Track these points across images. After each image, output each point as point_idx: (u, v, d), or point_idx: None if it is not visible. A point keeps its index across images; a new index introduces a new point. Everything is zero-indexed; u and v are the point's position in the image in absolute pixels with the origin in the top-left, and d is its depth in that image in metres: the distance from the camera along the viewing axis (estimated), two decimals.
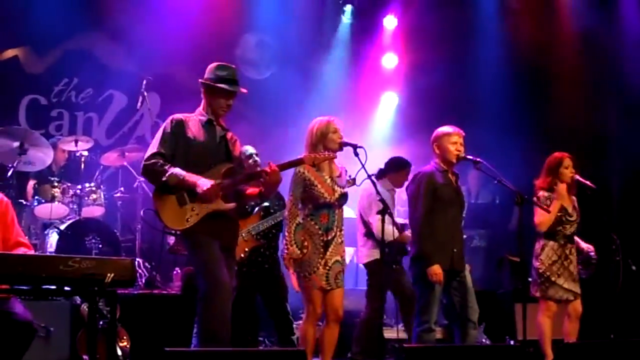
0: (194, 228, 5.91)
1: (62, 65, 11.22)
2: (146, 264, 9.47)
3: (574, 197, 7.78)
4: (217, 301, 5.80)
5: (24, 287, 4.78)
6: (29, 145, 8.94)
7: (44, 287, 4.69)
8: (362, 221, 8.09)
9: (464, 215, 7.25)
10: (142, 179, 9.46)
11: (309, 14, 11.66)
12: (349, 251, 8.27)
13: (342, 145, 6.54)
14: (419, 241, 6.88)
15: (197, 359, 5.20)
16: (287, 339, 7.41)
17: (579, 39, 11.46)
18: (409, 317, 7.69)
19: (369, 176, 6.45)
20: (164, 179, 5.88)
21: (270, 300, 7.58)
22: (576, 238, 7.76)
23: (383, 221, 6.52)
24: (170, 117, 6.15)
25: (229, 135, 6.26)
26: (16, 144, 8.88)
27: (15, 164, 8.87)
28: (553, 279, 7.51)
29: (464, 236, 7.51)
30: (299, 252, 6.49)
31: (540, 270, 7.55)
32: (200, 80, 6.22)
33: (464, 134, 7.02)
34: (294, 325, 7.63)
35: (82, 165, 9.73)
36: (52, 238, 8.95)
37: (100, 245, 8.89)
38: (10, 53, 11.04)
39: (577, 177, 7.66)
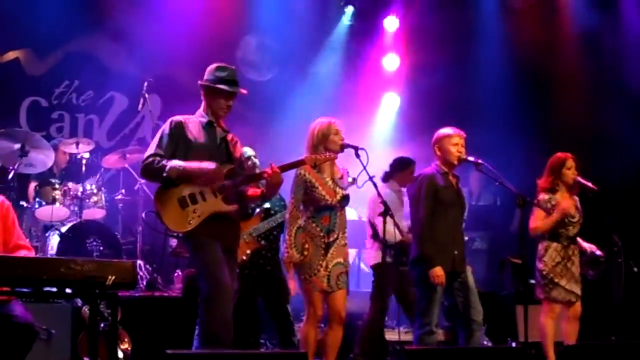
0: (195, 230, 5.91)
1: (63, 67, 11.22)
2: (147, 266, 9.47)
3: (576, 197, 7.77)
4: (219, 303, 5.80)
5: (25, 290, 4.78)
6: (30, 147, 8.93)
7: (45, 289, 4.69)
8: (370, 223, 8.09)
9: (465, 217, 7.24)
10: (143, 181, 9.46)
11: (310, 15, 11.65)
12: (351, 253, 8.26)
13: (343, 146, 6.54)
14: (420, 243, 6.87)
15: None
16: (289, 341, 7.40)
17: (581, 40, 11.45)
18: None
19: (370, 178, 6.44)
20: (165, 174, 5.88)
21: (271, 303, 7.56)
22: (577, 239, 7.75)
23: (384, 223, 6.51)
24: (170, 119, 6.15)
25: (230, 136, 6.26)
26: (17, 146, 8.87)
27: (16, 166, 8.86)
28: (556, 280, 7.50)
29: (465, 238, 7.50)
30: (298, 255, 6.49)
31: (544, 272, 7.54)
32: (199, 82, 6.22)
33: (465, 135, 7.01)
34: (295, 327, 7.63)
35: (83, 167, 9.72)
36: (53, 240, 8.95)
37: (101, 248, 8.88)
38: (11, 55, 11.05)
39: (579, 178, 7.66)
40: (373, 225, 8.02)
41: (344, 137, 6.60)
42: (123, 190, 10.03)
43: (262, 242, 7.47)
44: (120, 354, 7.10)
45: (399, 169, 8.31)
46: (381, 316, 7.70)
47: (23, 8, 10.56)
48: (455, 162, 6.95)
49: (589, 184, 7.67)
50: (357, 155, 6.43)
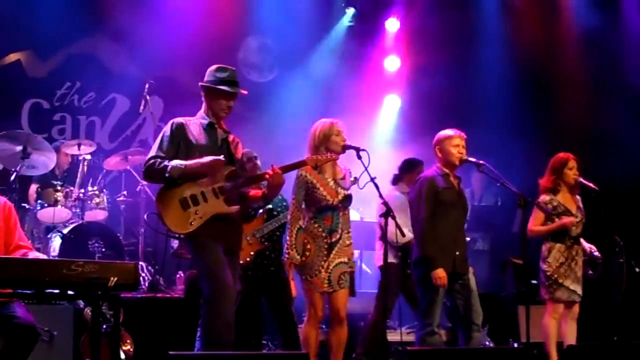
0: (197, 231, 5.91)
1: (65, 69, 11.22)
2: (149, 268, 9.48)
3: (578, 197, 7.78)
4: (221, 304, 5.80)
5: (27, 291, 4.78)
6: (32, 149, 8.93)
7: (47, 291, 4.69)
8: (379, 225, 8.09)
9: (467, 218, 7.24)
10: (145, 182, 9.47)
11: (312, 16, 11.66)
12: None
13: (344, 147, 6.55)
14: (421, 245, 6.88)
15: None
16: (292, 342, 7.40)
17: (581, 40, 11.45)
18: None
19: (372, 179, 6.43)
20: (167, 174, 5.88)
21: (275, 303, 7.55)
22: (581, 240, 7.76)
23: (386, 224, 6.51)
24: (171, 121, 6.15)
25: (231, 137, 6.26)
26: (19, 148, 8.87)
27: (18, 168, 8.86)
28: (560, 280, 7.51)
29: (467, 239, 7.50)
30: (298, 257, 6.50)
31: (548, 273, 7.55)
32: (200, 83, 6.23)
33: (465, 136, 7.02)
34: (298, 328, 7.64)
35: (85, 169, 9.72)
36: (55, 242, 8.96)
37: (103, 249, 8.88)
38: (12, 57, 11.05)
39: (581, 179, 7.67)
40: (381, 227, 8.03)
41: (346, 138, 6.60)
42: (125, 192, 10.04)
43: (266, 243, 7.47)
44: (123, 356, 7.11)
45: (407, 170, 8.32)
46: (383, 317, 7.70)
47: (24, 10, 10.57)
48: (457, 163, 6.95)
49: (591, 185, 7.68)
50: (359, 157, 6.43)
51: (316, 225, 6.54)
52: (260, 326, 7.93)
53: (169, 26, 10.76)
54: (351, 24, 12.12)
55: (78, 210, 9.32)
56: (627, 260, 8.16)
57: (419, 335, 6.87)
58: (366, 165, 6.41)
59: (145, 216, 9.73)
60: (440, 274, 6.72)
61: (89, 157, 9.75)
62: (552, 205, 7.62)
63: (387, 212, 6.44)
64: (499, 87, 11.30)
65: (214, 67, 6.24)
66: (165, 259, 9.25)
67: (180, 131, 6.07)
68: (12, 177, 8.91)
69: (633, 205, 10.58)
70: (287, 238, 6.57)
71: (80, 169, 9.71)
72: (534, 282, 8.21)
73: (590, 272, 7.78)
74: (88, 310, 7.14)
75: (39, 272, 4.54)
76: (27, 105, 11.13)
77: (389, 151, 10.71)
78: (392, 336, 8.59)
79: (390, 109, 12.24)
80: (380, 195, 6.53)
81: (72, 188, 9.41)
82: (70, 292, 4.76)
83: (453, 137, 6.96)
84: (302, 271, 6.54)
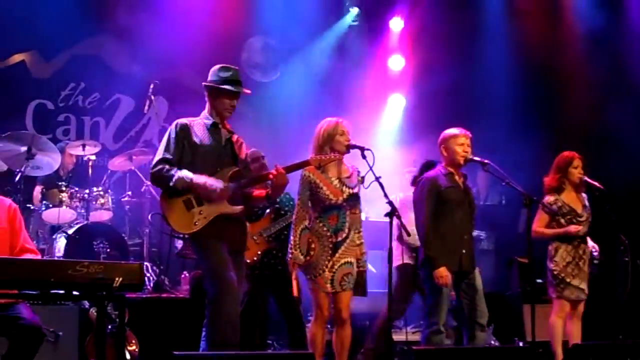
0: (202, 231, 5.92)
1: (69, 69, 11.24)
2: (154, 268, 9.48)
3: (583, 195, 7.78)
4: (226, 304, 5.80)
5: (33, 292, 4.78)
6: (37, 150, 8.93)
7: (53, 291, 4.69)
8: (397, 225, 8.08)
9: (474, 215, 7.18)
10: (149, 182, 9.47)
11: (315, 16, 11.65)
12: None
13: (349, 147, 6.54)
14: (424, 245, 6.88)
15: None
16: (298, 342, 7.39)
17: (587, 39, 11.43)
18: None
19: (377, 178, 6.42)
20: (171, 184, 5.90)
21: (283, 302, 7.53)
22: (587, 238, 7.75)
23: (391, 224, 6.49)
24: (175, 122, 6.16)
25: (235, 137, 6.26)
26: (24, 148, 8.87)
27: (22, 169, 8.86)
28: (568, 280, 7.51)
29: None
30: (302, 257, 6.50)
31: (555, 272, 7.55)
32: (203, 83, 6.23)
33: (471, 135, 7.01)
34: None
35: (90, 170, 9.73)
36: (60, 242, 8.96)
37: (108, 250, 8.89)
38: (17, 58, 11.07)
39: (586, 178, 7.67)
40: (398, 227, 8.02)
41: (351, 137, 6.59)
42: (129, 192, 10.05)
43: (273, 243, 7.46)
44: (128, 356, 7.10)
45: (426, 171, 8.31)
46: (396, 315, 7.73)
47: (29, 11, 10.57)
48: (462, 162, 6.95)
49: (596, 183, 7.67)
50: (363, 156, 6.42)
51: (321, 225, 6.53)
52: (266, 326, 7.92)
53: (173, 26, 10.77)
54: (355, 23, 12.11)
55: (83, 211, 9.33)
56: (632, 259, 8.15)
57: (425, 334, 6.86)
58: (371, 164, 6.39)
59: (149, 217, 9.73)
60: (442, 273, 6.72)
61: (93, 157, 9.75)
62: (557, 205, 7.62)
63: (392, 212, 6.43)
64: (504, 86, 11.29)
65: (217, 66, 6.25)
66: (170, 259, 9.25)
67: (184, 132, 6.08)
68: (17, 178, 8.90)
69: (638, 204, 10.56)
70: (291, 238, 6.56)
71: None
72: (539, 281, 8.21)
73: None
74: (93, 311, 7.15)
75: (44, 273, 4.54)
76: (31, 106, 11.14)
77: (394, 150, 10.71)
78: (398, 335, 8.59)
79: (395, 108, 12.22)
80: (385, 195, 6.49)
81: (76, 188, 9.42)
82: (75, 293, 4.76)
83: (458, 136, 6.96)
84: (307, 271, 6.54)
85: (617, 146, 10.81)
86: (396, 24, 12.09)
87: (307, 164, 6.33)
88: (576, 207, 7.66)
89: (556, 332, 7.54)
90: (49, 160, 9.14)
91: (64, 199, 9.20)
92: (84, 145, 9.60)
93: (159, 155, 6.04)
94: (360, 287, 6.66)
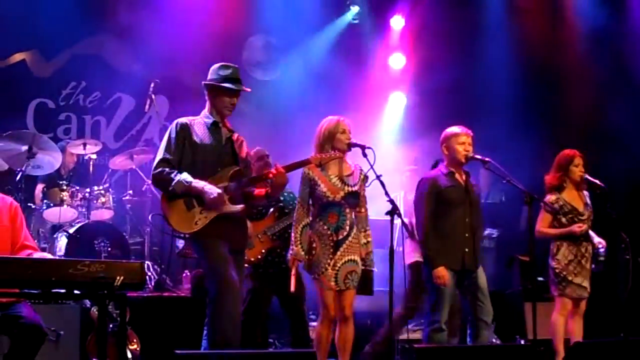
0: (202, 231, 5.92)
1: (70, 68, 11.25)
2: (155, 267, 9.49)
3: (585, 192, 7.77)
4: (227, 303, 5.81)
5: (34, 291, 4.78)
6: (37, 149, 8.93)
7: (54, 290, 4.69)
8: (410, 224, 8.08)
9: (479, 213, 7.12)
10: (150, 181, 9.47)
11: (316, 15, 11.66)
12: None
13: (350, 145, 6.54)
14: (423, 245, 6.89)
15: None
16: (300, 341, 7.39)
17: (588, 37, 11.41)
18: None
19: (378, 177, 6.42)
20: (170, 187, 5.91)
21: (287, 301, 7.52)
22: (590, 233, 7.74)
23: (392, 222, 6.49)
24: (175, 122, 6.17)
25: (235, 136, 6.26)
26: (24, 147, 8.87)
27: (23, 168, 8.86)
28: (570, 278, 7.52)
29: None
30: (302, 253, 6.50)
31: (557, 270, 7.56)
32: (203, 81, 6.23)
33: (472, 133, 7.00)
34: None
35: (91, 169, 9.74)
36: (61, 241, 8.96)
37: (109, 249, 8.89)
38: (17, 57, 11.07)
39: (587, 176, 7.67)
40: (408, 225, 8.01)
41: (352, 135, 6.59)
42: (130, 191, 10.05)
43: (277, 241, 7.45)
44: (129, 355, 7.11)
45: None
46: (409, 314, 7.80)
47: (29, 10, 10.57)
48: (463, 161, 6.94)
49: (596, 181, 7.67)
50: (364, 154, 6.42)
51: (321, 223, 6.53)
52: (267, 324, 7.92)
53: (173, 25, 10.78)
54: (356, 21, 12.10)
55: (84, 210, 9.34)
56: (633, 257, 8.14)
57: (427, 332, 6.87)
58: (372, 163, 6.39)
59: (149, 217, 9.74)
60: (440, 273, 6.73)
61: (94, 156, 9.76)
62: (558, 204, 7.62)
63: (393, 210, 6.42)
64: (505, 84, 11.28)
65: (216, 65, 6.25)
66: (171, 258, 9.26)
67: (184, 131, 6.09)
68: (18, 177, 8.91)
69: (639, 202, 10.55)
70: (292, 235, 6.57)
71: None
72: (540, 279, 8.20)
73: (593, 266, 7.77)
74: (94, 310, 7.15)
75: (45, 272, 4.53)
76: (32, 105, 11.15)
77: (395, 149, 10.71)
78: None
79: (396, 106, 12.22)
80: (386, 193, 6.49)
81: (77, 187, 9.42)
82: (76, 292, 4.75)
83: (459, 135, 6.95)
84: (310, 270, 6.55)
85: (618, 144, 10.80)
86: (397, 22, 12.09)
87: (308, 163, 6.34)
88: (577, 205, 7.66)
89: (558, 330, 7.55)
90: (50, 159, 9.15)
91: (65, 198, 9.21)
92: (84, 144, 9.61)
93: (160, 155, 6.05)
94: (366, 287, 6.65)
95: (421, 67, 11.90)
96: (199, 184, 5.92)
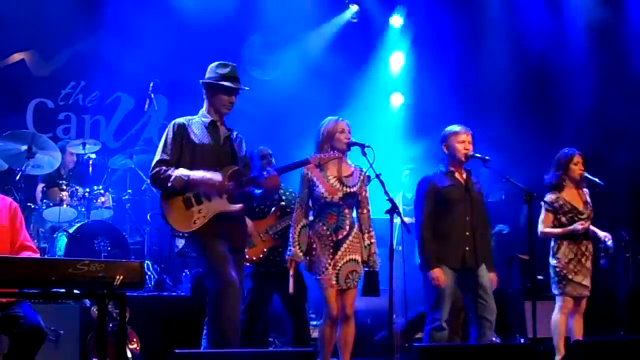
0: (201, 230, 5.92)
1: (69, 68, 11.26)
2: (155, 266, 9.48)
3: (585, 190, 7.78)
4: (226, 302, 5.81)
5: (33, 291, 4.78)
6: (37, 148, 8.94)
7: (53, 290, 4.69)
8: None
9: (482, 210, 7.09)
10: (149, 181, 9.47)
11: (315, 14, 11.66)
12: None
13: (349, 145, 6.55)
14: (419, 246, 6.89)
15: None
16: (301, 340, 7.39)
17: (589, 31, 11.39)
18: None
19: (377, 175, 6.42)
20: (169, 184, 5.91)
21: (288, 300, 7.51)
22: (592, 228, 7.73)
23: (392, 221, 6.49)
24: (172, 122, 6.16)
25: (234, 134, 6.26)
26: (24, 147, 8.87)
27: (23, 168, 8.86)
28: (570, 276, 7.54)
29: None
30: (300, 254, 6.52)
31: (557, 269, 7.58)
32: (201, 80, 6.22)
33: (471, 132, 7.00)
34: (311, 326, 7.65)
35: (90, 168, 9.74)
36: (61, 241, 8.95)
37: (109, 248, 8.88)
38: (16, 57, 11.08)
39: (587, 174, 7.67)
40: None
41: (351, 135, 6.60)
42: (130, 191, 10.04)
43: (279, 240, 7.44)
44: (129, 354, 7.11)
45: None
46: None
47: (28, 10, 10.58)
48: (463, 159, 6.92)
49: (596, 180, 7.68)
50: (364, 153, 6.42)
51: (321, 224, 6.54)
52: (267, 323, 7.92)
53: (172, 25, 10.78)
54: (355, 20, 12.10)
55: (83, 209, 9.33)
56: (633, 255, 8.16)
57: (427, 330, 6.86)
58: (371, 161, 6.39)
59: (148, 216, 9.75)
60: (435, 274, 6.72)
61: (94, 156, 9.76)
62: (558, 204, 7.63)
63: (392, 209, 6.42)
64: (505, 83, 11.28)
65: (214, 63, 6.25)
66: (171, 258, 9.26)
67: (182, 132, 6.08)
68: (18, 177, 8.91)
69: (639, 200, 10.56)
70: (290, 236, 6.58)
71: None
72: (540, 277, 8.21)
73: (602, 261, 7.77)
74: (94, 309, 7.15)
75: (45, 272, 4.53)
76: (31, 105, 11.16)
77: (395, 148, 10.72)
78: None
79: (396, 105, 12.22)
80: (386, 192, 6.50)
81: (77, 187, 9.41)
82: (76, 291, 4.75)
83: (459, 133, 6.94)
84: (311, 270, 6.58)
85: (620, 140, 10.80)
86: (396, 21, 12.09)
87: (307, 163, 6.35)
88: (577, 204, 7.67)
89: (559, 329, 7.57)
90: (50, 159, 9.15)
91: (64, 197, 9.20)
92: (84, 144, 9.61)
93: (157, 157, 6.05)
94: (372, 288, 6.65)
95: (421, 66, 11.89)
96: (197, 174, 5.92)
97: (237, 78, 6.17)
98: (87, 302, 7.38)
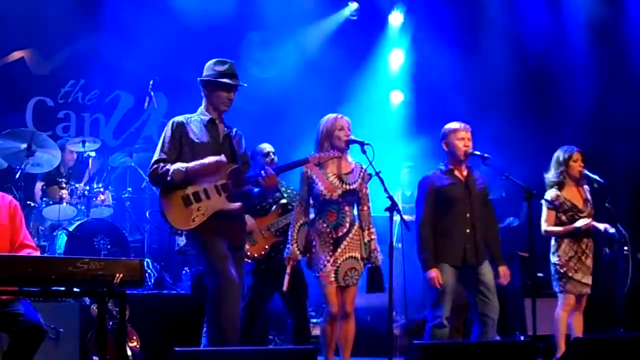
0: (200, 228, 5.92)
1: (68, 66, 11.25)
2: (155, 264, 9.48)
3: (585, 187, 7.77)
4: (226, 300, 5.81)
5: (33, 289, 4.78)
6: (37, 147, 8.94)
7: (53, 288, 4.69)
8: None
9: (485, 206, 7.08)
10: (149, 179, 9.46)
11: (315, 11, 11.65)
12: None
13: (348, 142, 6.56)
14: (417, 246, 6.90)
15: (207, 358, 5.20)
16: (302, 338, 7.39)
17: (589, 29, 11.37)
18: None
19: (377, 173, 6.43)
20: (168, 178, 5.90)
21: (289, 297, 7.51)
22: (593, 223, 7.71)
23: (391, 219, 6.49)
24: (171, 121, 6.16)
25: (233, 132, 6.26)
26: (23, 145, 8.87)
27: (23, 166, 8.86)
28: (570, 274, 7.55)
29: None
30: (298, 252, 6.54)
31: (558, 266, 7.61)
32: (199, 78, 6.22)
33: (470, 129, 6.99)
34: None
35: (90, 166, 9.74)
36: (61, 239, 8.95)
37: (109, 246, 8.88)
38: (16, 55, 11.07)
39: (586, 171, 7.67)
40: None
41: (351, 132, 6.60)
42: (130, 189, 10.05)
43: (280, 237, 7.44)
44: (129, 352, 7.11)
45: None
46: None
47: (28, 8, 10.57)
48: (462, 157, 6.92)
49: (596, 177, 7.68)
50: (363, 151, 6.43)
51: (321, 221, 6.55)
52: (266, 321, 7.92)
53: (172, 22, 10.77)
54: (354, 17, 12.09)
55: (83, 208, 9.33)
56: (632, 252, 8.15)
57: (429, 327, 6.87)
58: (371, 159, 6.40)
59: (147, 214, 9.75)
60: (432, 274, 6.74)
61: (93, 154, 9.75)
62: (559, 202, 7.63)
63: (392, 207, 6.43)
64: (505, 80, 11.27)
65: (212, 60, 6.25)
66: (170, 256, 9.26)
67: (180, 130, 6.08)
68: (17, 175, 8.91)
69: (638, 197, 10.55)
70: (290, 234, 6.60)
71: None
72: (540, 275, 8.20)
73: (607, 250, 7.77)
74: (94, 307, 7.15)
75: (45, 270, 4.53)
76: (31, 103, 11.16)
77: (394, 145, 10.71)
78: (398, 330, 8.59)
79: (396, 103, 12.21)
80: (386, 190, 6.50)
81: (77, 185, 9.41)
82: (76, 290, 4.76)
83: (458, 131, 6.93)
84: (311, 267, 6.60)
85: (618, 138, 10.79)
86: (396, 18, 12.08)
87: (306, 162, 6.36)
88: (577, 202, 7.68)
89: (561, 326, 7.58)
90: (49, 157, 9.15)
91: (64, 195, 9.19)
92: (84, 142, 9.59)
93: (155, 156, 6.06)
94: (375, 283, 6.65)
95: (421, 63, 11.89)
96: (194, 164, 5.92)
97: (235, 75, 6.17)
98: (87, 300, 7.37)
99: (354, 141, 6.53)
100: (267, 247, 7.40)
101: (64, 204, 9.15)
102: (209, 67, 6.20)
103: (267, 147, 7.63)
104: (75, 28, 10.90)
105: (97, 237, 8.90)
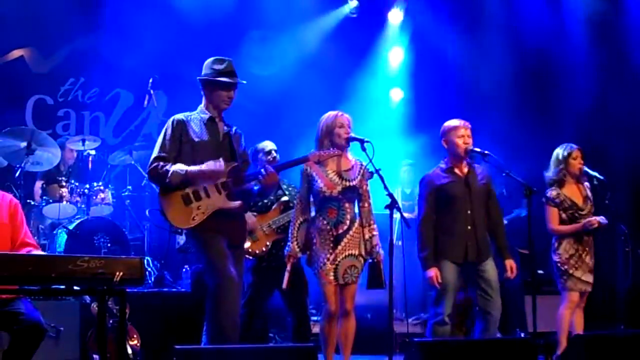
0: (200, 226, 5.92)
1: (68, 64, 11.25)
2: (155, 262, 9.48)
3: (585, 184, 7.77)
4: (226, 298, 5.81)
5: (33, 287, 4.78)
6: (36, 145, 8.94)
7: (53, 286, 4.69)
8: None
9: (488, 203, 7.07)
10: (148, 177, 9.46)
11: (314, 8, 11.65)
12: None
13: (348, 140, 6.55)
14: (417, 245, 6.90)
15: (207, 357, 5.21)
16: (301, 336, 7.39)
17: (589, 25, 11.36)
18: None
19: (377, 170, 6.43)
20: (167, 180, 5.90)
21: (290, 294, 7.51)
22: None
23: (391, 216, 6.49)
24: (171, 119, 6.16)
25: (233, 130, 6.26)
26: (23, 144, 8.88)
27: (22, 164, 8.87)
28: (571, 272, 7.56)
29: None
30: (298, 250, 6.55)
31: (559, 264, 7.59)
32: (198, 77, 6.22)
33: (470, 126, 6.99)
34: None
35: (90, 165, 9.73)
36: (61, 238, 8.95)
37: (109, 244, 8.88)
38: (16, 53, 11.07)
39: (586, 168, 7.67)
40: None
41: (351, 130, 6.59)
42: (130, 187, 10.05)
43: (281, 234, 7.44)
44: (129, 350, 7.11)
45: None
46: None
47: (27, 6, 10.57)
48: (462, 154, 6.92)
49: (596, 174, 7.68)
50: (363, 148, 6.43)
51: (321, 219, 6.55)
52: (266, 318, 7.92)
53: (171, 20, 10.76)
54: (354, 15, 12.07)
55: (83, 206, 9.33)
56: (633, 249, 8.15)
57: (430, 324, 6.88)
58: (371, 156, 6.39)
59: (147, 212, 9.75)
60: (431, 273, 6.76)
61: (93, 152, 9.75)
62: (559, 200, 7.63)
63: (392, 204, 6.43)
64: (505, 77, 11.26)
65: (210, 59, 6.25)
66: (169, 254, 9.26)
67: (181, 128, 6.09)
68: (17, 174, 8.92)
69: (638, 194, 10.55)
70: (290, 231, 6.60)
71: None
72: (540, 272, 8.20)
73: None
74: (94, 306, 7.15)
75: (45, 268, 4.53)
76: (31, 101, 11.16)
77: (394, 143, 10.71)
78: (399, 328, 8.59)
79: (396, 100, 12.20)
80: (386, 187, 6.50)
81: (77, 183, 9.41)
82: (76, 288, 4.77)
83: (458, 128, 6.93)
84: (310, 265, 6.61)
85: (618, 136, 10.79)
86: (395, 16, 12.07)
87: (306, 160, 6.36)
88: (577, 200, 7.67)
89: (564, 324, 7.58)
90: (49, 156, 9.15)
91: (64, 194, 9.19)
92: (83, 140, 9.60)
93: (155, 153, 6.06)
94: (375, 280, 6.64)
95: (420, 61, 11.88)
96: (194, 169, 5.92)
97: (234, 73, 6.17)
98: (87, 298, 7.37)
99: (354, 139, 6.53)
100: (268, 244, 7.41)
101: (64, 202, 9.15)
102: (208, 66, 6.19)
103: (269, 144, 7.63)
104: (74, 26, 10.89)
105: (97, 236, 8.90)
